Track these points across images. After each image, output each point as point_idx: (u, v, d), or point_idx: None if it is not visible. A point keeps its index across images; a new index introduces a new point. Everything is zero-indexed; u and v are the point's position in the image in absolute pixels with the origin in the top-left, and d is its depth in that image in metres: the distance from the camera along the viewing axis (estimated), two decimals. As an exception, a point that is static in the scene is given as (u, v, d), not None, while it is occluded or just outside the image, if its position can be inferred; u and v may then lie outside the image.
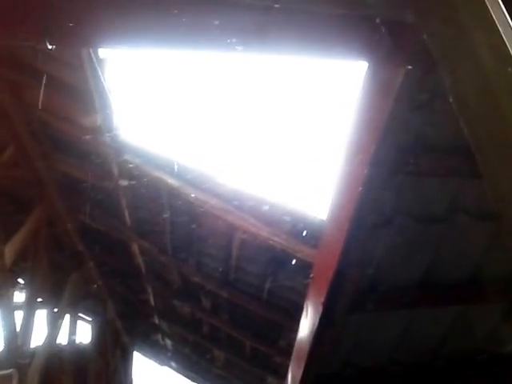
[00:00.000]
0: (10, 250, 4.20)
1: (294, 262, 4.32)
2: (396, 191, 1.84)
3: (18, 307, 5.96)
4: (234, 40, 1.49)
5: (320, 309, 2.03)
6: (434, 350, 2.50)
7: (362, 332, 2.32)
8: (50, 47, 1.69)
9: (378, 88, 1.51)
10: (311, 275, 2.23)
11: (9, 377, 3.37)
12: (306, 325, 2.21)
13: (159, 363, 9.56)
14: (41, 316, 6.76)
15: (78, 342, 8.39)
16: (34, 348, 5.78)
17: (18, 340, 4.92)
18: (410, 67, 1.36)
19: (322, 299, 2.00)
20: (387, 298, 2.18)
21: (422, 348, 2.50)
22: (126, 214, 5.15)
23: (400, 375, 2.57)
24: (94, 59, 3.71)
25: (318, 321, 2.06)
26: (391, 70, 1.43)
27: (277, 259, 4.45)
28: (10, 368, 4.09)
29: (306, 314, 2.23)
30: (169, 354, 9.02)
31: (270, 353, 5.86)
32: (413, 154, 1.74)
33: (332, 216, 1.98)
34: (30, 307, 5.68)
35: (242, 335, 5.88)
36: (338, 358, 2.45)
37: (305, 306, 2.27)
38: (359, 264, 1.99)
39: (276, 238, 4.03)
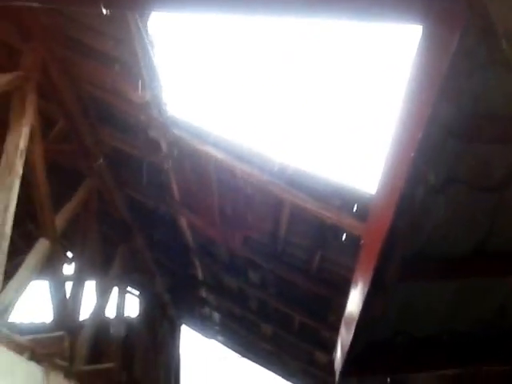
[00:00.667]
0: (60, 220, 4.48)
1: (343, 236, 4.41)
2: (451, 157, 1.87)
3: (68, 279, 6.35)
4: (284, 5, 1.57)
5: (370, 275, 2.11)
6: (489, 321, 2.53)
7: (413, 300, 2.39)
8: (104, 11, 1.83)
9: (434, 49, 1.54)
10: (362, 242, 2.31)
11: (61, 338, 3.68)
12: (357, 292, 2.30)
13: (206, 336, 9.95)
14: (89, 288, 7.17)
15: (126, 315, 8.88)
16: (83, 319, 6.15)
17: (67, 310, 5.28)
18: (466, 27, 1.39)
19: (373, 265, 2.08)
20: (439, 267, 2.22)
21: (476, 318, 2.54)
22: (174, 188, 5.36)
23: (452, 345, 2.63)
24: (144, 33, 3.86)
25: (368, 287, 2.14)
26: (447, 31, 1.46)
27: (326, 233, 4.54)
28: (57, 348, 4.31)
29: (356, 281, 2.32)
30: (216, 328, 9.37)
31: (317, 327, 6.00)
32: (471, 118, 1.77)
33: (384, 182, 2.03)
34: (79, 279, 6.06)
35: (290, 309, 6.04)
36: (389, 325, 2.53)
37: (355, 273, 2.36)
38: (411, 231, 2.04)
39: (325, 212, 4.11)
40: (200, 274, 7.36)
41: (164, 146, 4.85)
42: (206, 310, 8.80)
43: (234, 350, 10.23)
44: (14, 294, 3.38)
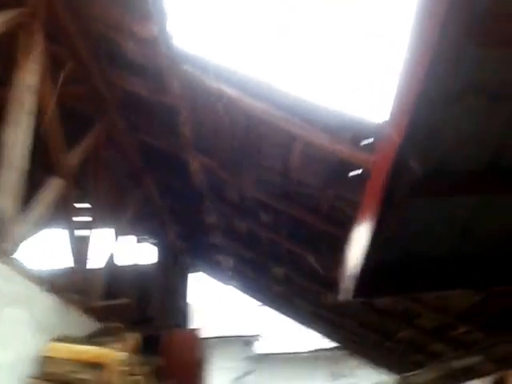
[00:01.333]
0: (72, 159, 4.52)
1: (355, 172, 4.40)
2: (468, 64, 1.84)
3: (82, 226, 6.47)
4: None
5: (381, 189, 2.12)
6: (503, 241, 2.55)
7: (425, 217, 2.41)
8: None
9: None
10: (373, 159, 2.31)
11: (77, 272, 3.80)
12: (367, 204, 2.32)
13: (223, 282, 10.20)
14: (103, 235, 7.31)
15: (140, 262, 9.11)
16: (99, 266, 6.30)
17: (83, 256, 5.41)
18: None
19: (384, 179, 2.08)
20: (453, 182, 2.22)
21: (490, 237, 2.57)
22: (186, 129, 5.35)
23: (463, 265, 2.68)
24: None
25: (379, 201, 2.16)
26: None
27: (338, 170, 4.53)
28: (74, 285, 4.42)
29: (367, 201, 2.34)
30: (230, 273, 9.59)
31: (329, 267, 6.10)
32: (489, 21, 1.72)
33: (399, 90, 1.99)
34: (93, 225, 6.17)
35: (301, 250, 6.14)
36: (400, 244, 2.56)
37: (366, 193, 2.37)
38: (424, 143, 2.03)
39: (337, 146, 4.10)
40: (212, 219, 7.45)
41: (175, 85, 4.80)
42: (220, 255, 8.97)
43: (249, 295, 10.50)
44: (32, 226, 3.46)
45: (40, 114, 3.95)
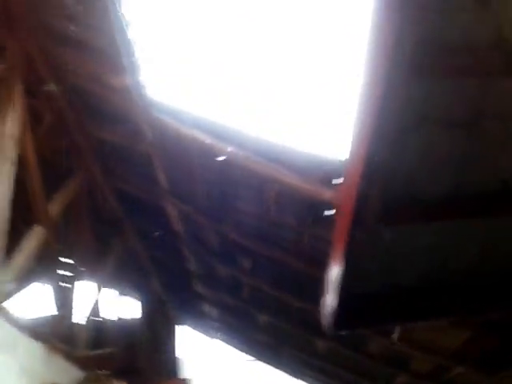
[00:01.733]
0: (53, 208, 4.53)
1: (330, 211, 4.45)
2: (418, 96, 1.92)
3: (64, 279, 6.36)
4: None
5: (349, 222, 2.16)
6: (474, 267, 2.56)
7: (396, 248, 2.43)
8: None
9: None
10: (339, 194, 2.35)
11: (61, 318, 3.74)
12: (338, 237, 2.34)
13: (208, 335, 9.96)
14: (86, 287, 7.18)
15: (124, 316, 8.91)
16: (81, 321, 6.15)
17: (67, 308, 5.32)
18: None
19: (350, 212, 2.12)
20: (421, 209, 2.25)
21: (466, 263, 2.58)
22: (161, 175, 5.41)
23: (440, 294, 2.67)
24: (121, 20, 3.94)
25: (348, 234, 2.19)
26: None
27: (312, 209, 4.58)
28: (58, 334, 4.38)
29: (337, 230, 2.36)
30: (215, 324, 9.39)
31: (314, 311, 6.01)
32: (430, 53, 1.81)
33: (356, 125, 2.06)
34: (75, 278, 6.08)
35: (285, 294, 6.07)
36: (375, 276, 2.56)
37: (335, 224, 2.40)
38: (385, 173, 2.08)
39: (309, 187, 4.16)
40: (193, 267, 7.39)
41: (148, 133, 4.91)
42: (204, 305, 8.82)
43: (236, 348, 10.24)
44: (16, 273, 3.43)
45: (21, 163, 4.01)
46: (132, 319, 8.96)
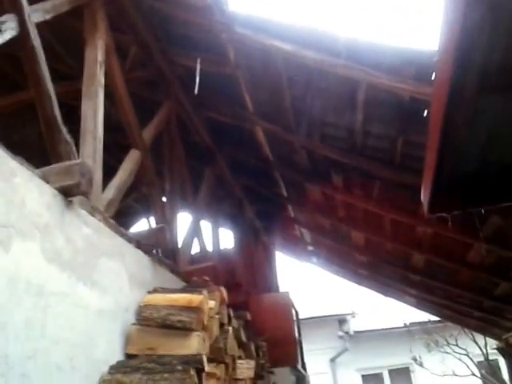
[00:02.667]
0: (145, 135, 4.81)
1: (424, 111, 4.32)
2: None
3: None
4: None
5: (448, 88, 2.11)
6: None
7: (498, 120, 2.36)
8: None
9: None
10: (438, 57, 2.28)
11: (162, 229, 4.06)
12: (435, 111, 2.31)
13: (303, 260, 10.30)
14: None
15: (222, 247, 9.41)
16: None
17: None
18: None
19: (449, 76, 2.07)
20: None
21: None
22: (247, 98, 5.51)
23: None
24: None
25: (446, 102, 2.15)
26: None
27: (405, 113, 4.47)
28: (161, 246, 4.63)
29: (434, 101, 2.33)
30: (308, 248, 9.67)
31: (410, 223, 6.01)
32: None
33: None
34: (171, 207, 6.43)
35: (379, 209, 6.08)
36: (471, 154, 2.52)
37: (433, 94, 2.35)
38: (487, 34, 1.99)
39: (402, 85, 4.05)
40: (285, 191, 7.58)
41: (232, 54, 4.98)
42: (298, 230, 9.07)
43: (332, 272, 10.52)
44: (116, 191, 3.77)
45: (111, 89, 4.28)
46: (227, 249, 9.45)
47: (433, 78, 3.80)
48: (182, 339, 2.94)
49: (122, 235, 3.42)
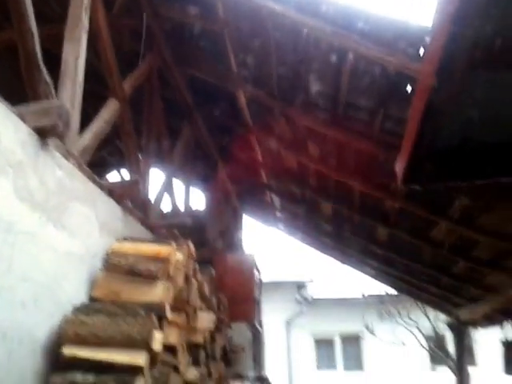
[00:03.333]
0: (126, 86, 4.62)
1: (408, 86, 4.29)
2: None
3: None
4: None
5: (439, 58, 2.07)
6: None
7: (484, 97, 2.33)
8: None
9: None
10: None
11: (135, 182, 3.97)
12: (423, 80, 2.27)
13: (271, 225, 10.36)
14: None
15: (192, 207, 9.35)
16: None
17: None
18: None
19: (441, 47, 2.03)
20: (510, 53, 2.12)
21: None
22: (232, 58, 5.36)
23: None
24: None
25: (436, 71, 2.10)
26: None
27: (390, 86, 4.43)
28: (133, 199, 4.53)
29: (423, 68, 2.28)
30: (277, 214, 9.71)
31: (380, 197, 6.05)
32: None
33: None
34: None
35: (350, 180, 6.10)
36: (453, 129, 2.49)
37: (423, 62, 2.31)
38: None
39: (390, 58, 3.98)
40: (262, 157, 7.52)
41: (221, 10, 4.80)
42: (269, 196, 9.07)
43: (298, 239, 10.62)
44: (92, 138, 3.63)
45: (95, 34, 4.07)
46: (198, 210, 9.39)
47: (422, 55, 3.80)
48: (147, 287, 2.91)
49: (95, 182, 3.31)
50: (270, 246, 15.20)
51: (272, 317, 13.77)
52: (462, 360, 9.10)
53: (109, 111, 4.17)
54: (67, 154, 2.99)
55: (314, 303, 14.35)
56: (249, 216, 10.21)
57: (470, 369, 10.77)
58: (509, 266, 5.79)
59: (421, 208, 5.49)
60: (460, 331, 8.97)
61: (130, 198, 4.01)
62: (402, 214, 6.12)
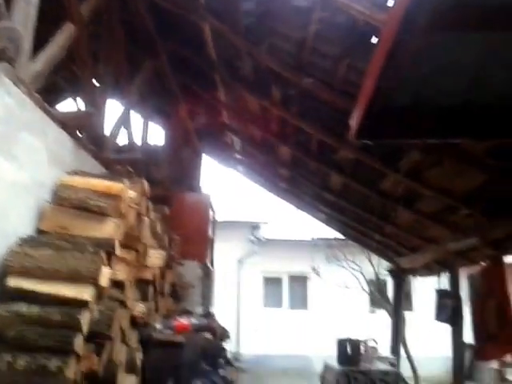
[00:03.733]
0: (84, 9, 4.33)
1: (373, 37, 4.24)
2: None
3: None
4: None
5: (401, 16, 2.05)
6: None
7: (443, 58, 2.35)
8: None
9: None
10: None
11: (89, 114, 3.84)
12: (384, 36, 2.25)
13: (229, 166, 10.36)
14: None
15: (150, 143, 9.15)
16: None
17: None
18: None
19: (406, 4, 2.00)
20: (476, 15, 2.12)
21: (504, 88, 2.52)
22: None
23: (475, 117, 2.66)
24: None
25: (397, 30, 2.09)
26: None
27: (356, 36, 4.36)
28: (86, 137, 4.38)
29: (385, 26, 2.26)
30: (236, 156, 9.70)
31: (336, 146, 6.13)
32: None
33: None
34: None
35: (309, 128, 6.12)
36: (408, 88, 2.52)
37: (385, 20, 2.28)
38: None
39: (359, 7, 3.90)
40: (223, 96, 7.38)
41: None
42: (228, 137, 9.01)
43: (254, 181, 10.70)
44: (45, 64, 3.43)
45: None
46: (156, 146, 9.22)
47: (389, 5, 3.74)
48: (97, 223, 2.90)
49: (47, 112, 3.17)
50: (227, 186, 15.29)
51: (225, 255, 14.12)
52: (398, 305, 9.69)
53: (64, 36, 3.93)
54: (17, 81, 2.82)
55: (266, 244, 14.74)
56: (208, 156, 10.15)
57: (406, 313, 11.58)
58: (449, 220, 6.09)
59: (374, 160, 5.62)
60: (400, 278, 9.50)
61: (84, 130, 3.88)
62: (357, 165, 6.26)
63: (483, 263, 6.14)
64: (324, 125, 5.91)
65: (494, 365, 11.51)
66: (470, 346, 6.47)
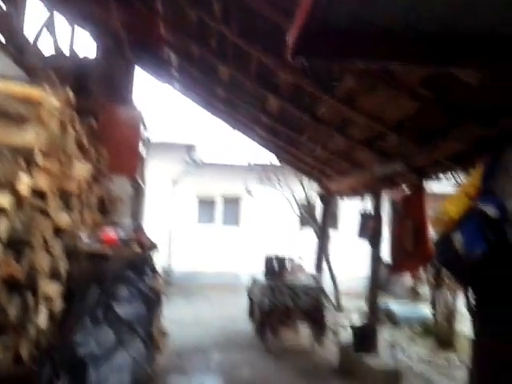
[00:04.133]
0: None
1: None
2: None
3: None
4: None
5: None
6: (455, 19, 2.49)
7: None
8: None
9: None
10: None
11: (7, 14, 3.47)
12: None
13: (162, 81, 9.92)
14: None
15: (79, 53, 8.48)
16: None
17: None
18: None
19: None
20: None
21: (442, 15, 2.51)
22: None
23: (413, 42, 2.65)
24: None
25: None
26: None
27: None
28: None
29: None
30: (172, 72, 9.28)
31: (275, 69, 5.99)
32: None
33: None
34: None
35: (249, 46, 5.90)
36: (345, 7, 2.45)
37: None
38: None
39: None
40: (160, 7, 6.89)
41: None
42: (166, 51, 8.54)
43: (191, 99, 10.35)
44: None
45: None
46: (86, 58, 8.59)
47: None
48: (16, 130, 2.69)
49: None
50: (164, 106, 14.79)
51: (160, 174, 13.97)
52: (325, 224, 10.22)
53: None
54: None
55: (201, 166, 14.68)
56: (143, 70, 9.61)
57: (332, 231, 12.24)
58: (377, 146, 6.30)
59: (311, 84, 5.58)
60: (327, 200, 9.92)
61: (1, 32, 3.50)
62: (295, 89, 6.19)
63: (405, 188, 6.50)
64: (265, 46, 5.71)
65: (408, 282, 12.66)
66: (387, 264, 6.99)
